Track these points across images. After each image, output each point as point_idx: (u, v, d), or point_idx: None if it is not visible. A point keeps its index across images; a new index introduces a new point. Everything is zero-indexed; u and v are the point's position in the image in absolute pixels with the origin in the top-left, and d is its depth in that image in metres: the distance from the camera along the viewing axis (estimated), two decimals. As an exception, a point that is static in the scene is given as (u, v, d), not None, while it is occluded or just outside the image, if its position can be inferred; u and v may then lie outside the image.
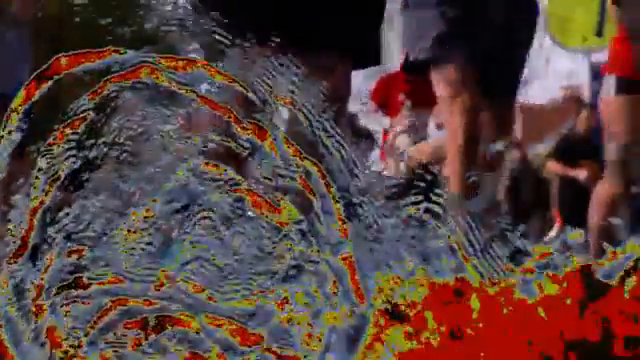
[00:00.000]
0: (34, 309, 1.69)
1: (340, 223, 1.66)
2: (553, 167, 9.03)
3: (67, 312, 1.69)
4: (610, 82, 4.71)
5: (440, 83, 3.88)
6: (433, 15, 3.90)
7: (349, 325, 1.63)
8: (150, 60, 1.67)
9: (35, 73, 1.70)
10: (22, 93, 1.70)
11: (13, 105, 1.70)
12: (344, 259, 1.66)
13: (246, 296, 1.69)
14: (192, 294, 1.70)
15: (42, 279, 1.69)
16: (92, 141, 1.72)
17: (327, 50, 2.85)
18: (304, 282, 1.68)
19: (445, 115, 3.93)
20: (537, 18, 4.17)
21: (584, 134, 8.83)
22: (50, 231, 1.70)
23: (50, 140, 1.70)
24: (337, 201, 1.67)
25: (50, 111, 1.72)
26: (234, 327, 1.68)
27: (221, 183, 1.73)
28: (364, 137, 6.96)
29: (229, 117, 1.69)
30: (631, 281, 1.63)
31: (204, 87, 1.70)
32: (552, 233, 8.46)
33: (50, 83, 1.70)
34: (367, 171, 1.71)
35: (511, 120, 4.19)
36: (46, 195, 1.69)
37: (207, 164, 1.74)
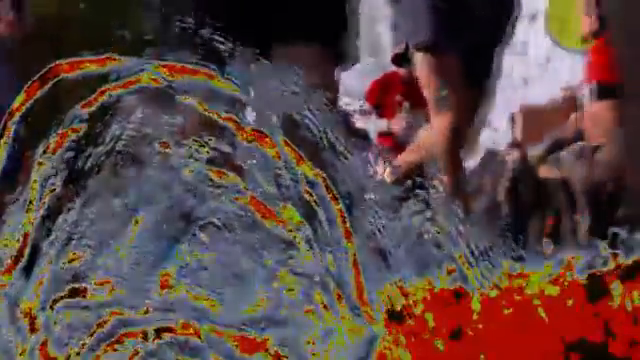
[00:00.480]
0: (28, 321, 1.68)
1: (343, 230, 1.66)
2: (544, 171, 9.00)
3: (63, 323, 1.69)
4: (590, 88, 4.83)
5: (429, 75, 3.90)
6: (424, 7, 3.92)
7: (358, 340, 1.63)
8: (150, 67, 1.67)
9: (35, 77, 1.70)
10: (21, 97, 1.70)
11: (10, 110, 1.70)
12: (348, 266, 1.66)
13: (250, 304, 1.69)
14: (193, 302, 1.69)
15: (38, 289, 1.69)
16: (91, 147, 1.72)
17: (307, 46, 2.84)
18: (308, 289, 1.68)
19: (432, 110, 3.93)
20: (517, 13, 4.22)
21: (574, 136, 8.79)
22: (47, 241, 1.69)
23: (48, 147, 1.70)
24: (340, 208, 1.67)
25: (50, 116, 1.72)
26: (236, 335, 1.68)
27: (224, 190, 1.73)
28: (361, 138, 6.95)
29: (231, 123, 1.69)
30: (632, 282, 1.63)
31: (205, 92, 1.71)
32: (549, 246, 8.44)
33: (48, 87, 1.70)
34: (369, 178, 1.71)
35: (481, 110, 4.21)
36: (43, 204, 1.69)
37: (210, 170, 1.74)
